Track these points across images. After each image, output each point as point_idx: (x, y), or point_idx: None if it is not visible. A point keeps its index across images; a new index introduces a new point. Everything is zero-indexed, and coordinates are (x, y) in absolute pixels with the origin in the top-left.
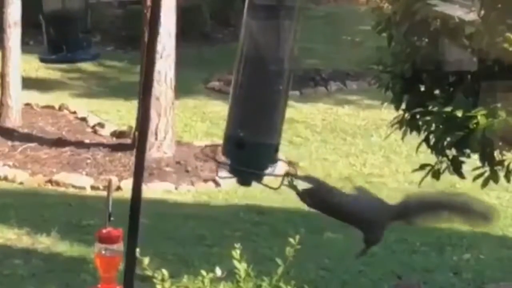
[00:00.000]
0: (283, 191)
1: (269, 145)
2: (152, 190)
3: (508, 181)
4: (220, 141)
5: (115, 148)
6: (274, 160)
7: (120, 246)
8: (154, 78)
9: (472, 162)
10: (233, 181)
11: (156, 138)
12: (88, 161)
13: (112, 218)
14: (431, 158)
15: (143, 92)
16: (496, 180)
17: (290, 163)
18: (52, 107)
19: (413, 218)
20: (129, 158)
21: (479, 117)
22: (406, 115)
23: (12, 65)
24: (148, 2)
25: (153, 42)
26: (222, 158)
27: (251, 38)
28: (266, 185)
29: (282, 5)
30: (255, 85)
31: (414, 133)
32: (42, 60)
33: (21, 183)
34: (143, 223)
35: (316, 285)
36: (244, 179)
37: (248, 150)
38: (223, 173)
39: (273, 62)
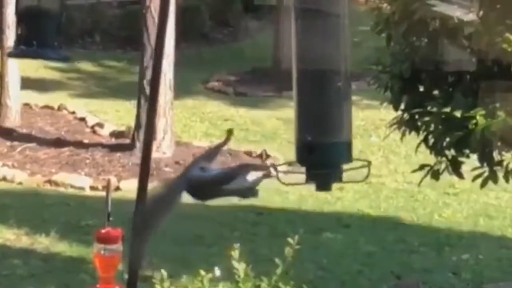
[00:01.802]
0: (282, 191)
1: (339, 144)
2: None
3: (507, 181)
4: (218, 141)
5: (114, 148)
6: (348, 158)
7: (119, 246)
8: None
9: (471, 162)
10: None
11: (155, 138)
12: (87, 161)
13: (111, 218)
14: (430, 159)
15: (149, 104)
16: (495, 181)
17: (289, 164)
18: (51, 107)
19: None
20: (128, 158)
21: (478, 118)
22: (405, 115)
23: (11, 65)
24: (147, 3)
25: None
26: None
27: (304, 41)
28: (349, 181)
29: (331, 8)
30: (315, 87)
31: (413, 133)
32: (10, 54)
33: (20, 183)
34: None
35: (315, 285)
36: (322, 183)
37: (319, 153)
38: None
39: (328, 62)
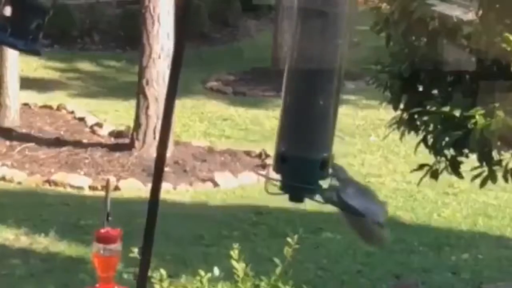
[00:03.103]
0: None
1: (312, 160)
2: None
3: (506, 181)
4: (217, 140)
5: (113, 148)
6: (321, 175)
7: (118, 246)
8: (150, 80)
9: (471, 162)
10: (232, 181)
11: (154, 138)
12: (86, 161)
13: (110, 218)
14: (430, 158)
15: (165, 108)
16: (494, 180)
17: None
18: (50, 107)
19: None
20: (127, 158)
21: (477, 117)
22: (404, 115)
23: (9, 65)
24: (146, 2)
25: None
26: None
27: (296, 47)
28: (318, 201)
29: (331, 11)
30: (296, 98)
31: (413, 133)
32: None
33: (19, 183)
34: (142, 223)
35: (314, 285)
36: (294, 195)
37: (291, 165)
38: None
39: (316, 74)
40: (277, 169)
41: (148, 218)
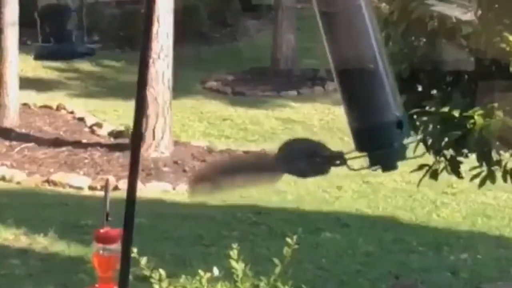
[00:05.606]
0: (280, 191)
1: (384, 124)
2: (150, 190)
3: (505, 181)
4: (216, 140)
5: (112, 148)
6: (398, 135)
7: (117, 246)
8: (149, 79)
9: (470, 162)
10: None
11: (153, 138)
12: (86, 161)
13: (109, 218)
14: (429, 158)
15: (137, 92)
16: (493, 180)
17: None
18: (50, 107)
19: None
20: (126, 158)
21: (476, 117)
22: None
23: (9, 64)
24: None
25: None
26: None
27: (330, 36)
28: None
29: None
30: (347, 75)
31: (412, 133)
32: (36, 56)
33: (18, 183)
34: (141, 223)
35: (314, 285)
36: (386, 163)
37: (374, 135)
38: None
39: (361, 53)
40: (361, 146)
41: (126, 213)
